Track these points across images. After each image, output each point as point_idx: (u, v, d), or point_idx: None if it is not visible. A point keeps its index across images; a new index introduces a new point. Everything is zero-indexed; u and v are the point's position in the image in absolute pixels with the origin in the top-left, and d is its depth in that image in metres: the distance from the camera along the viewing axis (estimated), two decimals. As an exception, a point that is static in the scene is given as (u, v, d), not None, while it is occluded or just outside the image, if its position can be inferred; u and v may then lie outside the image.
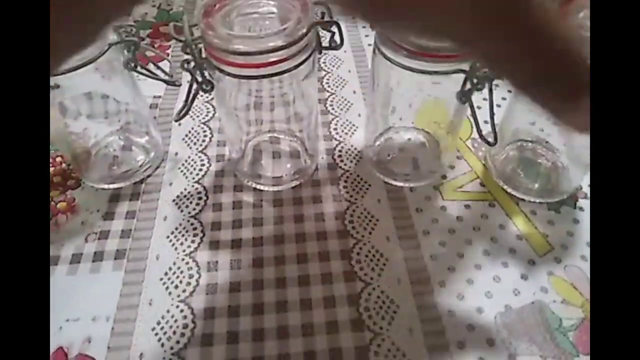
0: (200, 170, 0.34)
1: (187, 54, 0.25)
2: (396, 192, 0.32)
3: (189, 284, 0.27)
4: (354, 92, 0.40)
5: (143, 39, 0.31)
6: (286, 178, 0.33)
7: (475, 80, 0.24)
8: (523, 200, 0.32)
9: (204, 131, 0.36)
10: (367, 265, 0.28)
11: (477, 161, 0.34)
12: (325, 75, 0.42)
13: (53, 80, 0.26)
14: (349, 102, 0.39)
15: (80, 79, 0.26)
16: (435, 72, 0.24)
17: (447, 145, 0.33)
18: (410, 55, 0.24)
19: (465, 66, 0.24)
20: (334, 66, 0.43)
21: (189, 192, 0.32)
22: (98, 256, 0.29)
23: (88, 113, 0.31)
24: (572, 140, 0.30)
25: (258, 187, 0.32)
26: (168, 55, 0.44)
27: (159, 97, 0.39)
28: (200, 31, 0.24)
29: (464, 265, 0.28)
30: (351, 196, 0.32)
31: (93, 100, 0.31)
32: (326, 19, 0.26)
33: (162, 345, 0.25)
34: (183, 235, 0.30)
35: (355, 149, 0.35)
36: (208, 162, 0.34)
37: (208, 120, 0.37)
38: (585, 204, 0.31)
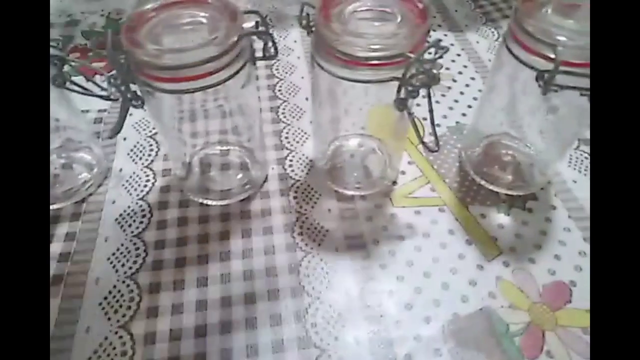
0: (145, 186, 0.32)
1: (113, 68, 0.24)
2: (347, 201, 0.32)
3: (129, 307, 0.26)
4: (307, 99, 0.39)
5: (68, 55, 0.29)
6: (235, 190, 0.32)
7: (409, 88, 0.24)
8: (472, 204, 0.31)
9: (150, 145, 0.35)
10: (315, 278, 0.28)
11: (427, 165, 0.34)
12: (277, 82, 0.41)
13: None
14: (301, 109, 0.38)
15: None
16: (369, 81, 0.24)
17: (394, 148, 0.32)
18: (344, 64, 0.24)
19: (399, 74, 0.24)
20: (287, 73, 0.42)
21: (132, 210, 0.31)
22: (33, 283, 0.27)
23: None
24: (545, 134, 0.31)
25: (205, 202, 0.31)
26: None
27: (104, 110, 0.38)
28: (125, 48, 0.23)
29: (413, 273, 0.28)
30: (301, 207, 0.31)
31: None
32: (260, 29, 0.26)
33: (98, 375, 0.24)
34: (125, 256, 0.28)
35: (306, 157, 0.35)
36: (154, 178, 0.33)
37: (155, 134, 0.36)
38: (534, 205, 0.32)
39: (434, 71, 0.24)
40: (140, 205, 0.31)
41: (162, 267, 0.28)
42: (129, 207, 0.31)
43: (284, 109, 0.39)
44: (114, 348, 0.25)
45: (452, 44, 0.45)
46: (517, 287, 0.27)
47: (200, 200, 0.31)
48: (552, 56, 0.23)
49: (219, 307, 0.26)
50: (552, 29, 0.23)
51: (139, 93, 0.25)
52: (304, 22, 0.27)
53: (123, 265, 0.28)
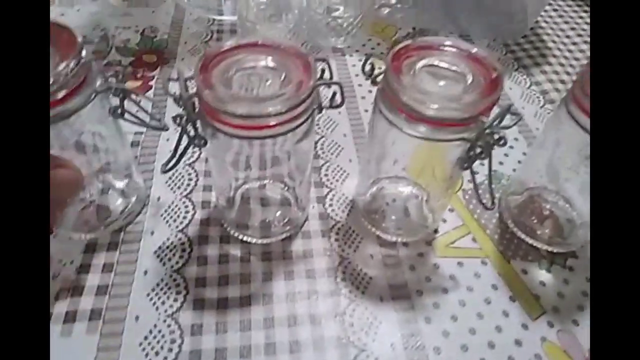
0: (185, 217, 0.32)
1: (180, 107, 0.24)
2: (389, 247, 0.31)
3: (170, 350, 0.25)
4: (345, 135, 0.39)
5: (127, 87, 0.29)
6: (275, 229, 0.31)
7: (478, 150, 0.24)
8: (514, 258, 0.31)
9: (189, 174, 0.35)
10: (360, 329, 0.27)
11: (468, 215, 0.34)
12: (319, 139, 0.40)
13: None
14: (339, 146, 0.38)
15: (67, 126, 0.24)
16: (437, 140, 0.24)
17: (441, 201, 0.32)
18: (409, 120, 0.24)
19: (468, 135, 0.24)
20: (327, 129, 0.41)
21: (171, 243, 0.30)
22: (70, 316, 0.26)
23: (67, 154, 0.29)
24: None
25: (245, 238, 0.31)
26: (151, 87, 0.42)
27: (141, 133, 0.37)
28: (196, 88, 0.23)
29: (458, 329, 0.28)
30: (343, 250, 0.31)
31: (71, 142, 0.29)
32: (326, 75, 0.26)
33: (140, 423, 0.23)
34: (165, 293, 0.28)
35: (346, 197, 0.34)
36: (193, 209, 0.32)
37: (194, 162, 0.36)
38: (574, 263, 0.32)
39: (502, 134, 0.24)
40: (180, 238, 0.31)
41: (203, 307, 0.27)
42: (167, 239, 0.31)
43: (322, 144, 0.38)
44: (156, 394, 0.24)
45: (485, 89, 0.46)
46: (562, 349, 0.27)
47: (241, 237, 0.31)
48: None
49: (263, 354, 0.26)
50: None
51: (201, 133, 0.24)
52: (369, 71, 0.27)
53: (163, 302, 0.27)
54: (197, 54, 0.46)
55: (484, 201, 0.27)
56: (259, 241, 0.31)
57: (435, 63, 0.25)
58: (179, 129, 0.24)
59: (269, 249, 0.31)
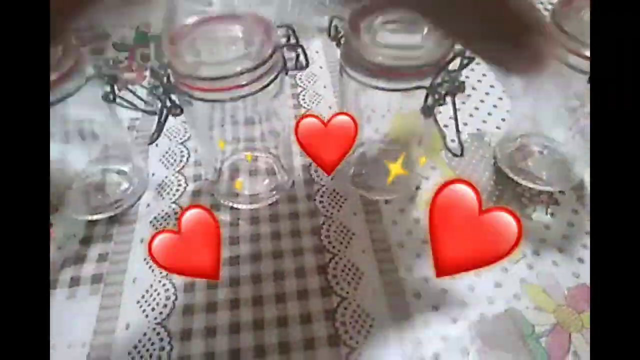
0: (177, 190, 0.34)
1: (156, 79, 0.26)
2: (371, 205, 0.33)
3: (165, 305, 0.27)
4: (330, 108, 0.41)
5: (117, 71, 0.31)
6: (263, 195, 0.33)
7: (436, 96, 0.25)
8: (523, 194, 0.32)
9: (181, 151, 0.37)
10: (343, 279, 0.28)
11: (450, 172, 0.35)
12: (301, 91, 0.42)
13: None
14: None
15: (60, 112, 0.26)
16: (395, 89, 0.25)
17: (416, 155, 0.33)
18: (371, 74, 0.25)
19: (425, 83, 0.25)
20: (310, 82, 0.43)
21: (165, 213, 0.32)
22: (74, 282, 0.29)
23: (67, 143, 0.32)
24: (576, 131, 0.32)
25: (235, 205, 0.32)
26: (145, 77, 0.44)
27: (137, 119, 0.39)
28: (167, 59, 0.24)
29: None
30: (327, 211, 0.32)
31: (71, 130, 0.31)
32: (291, 41, 0.27)
33: (139, 369, 0.25)
34: (160, 257, 0.30)
35: (331, 163, 0.36)
36: (185, 182, 0.34)
37: (185, 141, 0.38)
38: (556, 209, 0.32)
39: (460, 79, 0.25)
40: (173, 209, 0.33)
41: (195, 267, 0.29)
42: (162, 210, 0.33)
43: (303, 96, 0.40)
44: (153, 344, 0.26)
45: (470, 53, 0.46)
46: (541, 289, 0.28)
47: (231, 204, 0.33)
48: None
49: (251, 305, 0.27)
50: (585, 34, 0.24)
51: (177, 102, 0.26)
52: (333, 33, 0.28)
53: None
54: (189, 43, 0.48)
55: (450, 147, 0.28)
56: (248, 207, 0.32)
57: (392, 18, 0.26)
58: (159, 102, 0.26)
59: (257, 213, 0.32)
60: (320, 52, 0.47)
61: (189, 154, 0.37)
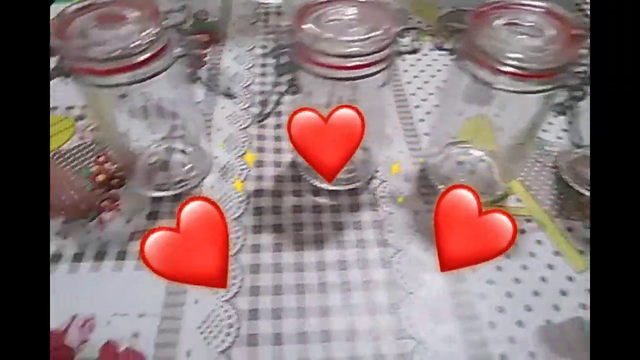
0: (240, 175, 0.34)
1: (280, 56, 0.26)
2: (433, 205, 0.33)
3: (233, 284, 0.28)
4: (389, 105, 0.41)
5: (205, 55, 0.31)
6: (341, 179, 0.33)
7: (576, 93, 0.25)
8: (559, 217, 0.32)
9: (243, 137, 0.37)
10: (407, 275, 0.28)
11: (516, 185, 0.35)
12: None
13: (122, 90, 0.26)
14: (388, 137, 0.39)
15: (148, 89, 0.27)
16: (517, 92, 0.25)
17: (512, 165, 0.33)
18: (493, 71, 0.25)
19: (549, 86, 0.25)
20: None
21: (229, 196, 0.33)
22: (142, 254, 0.29)
23: (145, 120, 0.33)
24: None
25: (314, 182, 0.33)
26: (206, 63, 0.45)
27: (199, 102, 0.40)
28: (293, 33, 0.25)
29: (503, 278, 0.29)
30: (388, 207, 0.32)
31: (149, 108, 0.32)
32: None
33: (209, 344, 0.25)
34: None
35: (390, 159, 0.36)
36: (247, 167, 0.35)
37: (247, 127, 0.38)
38: (620, 223, 0.32)
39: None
40: (237, 192, 0.33)
41: (259, 250, 0.29)
42: (225, 194, 0.33)
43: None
44: (221, 320, 0.26)
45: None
46: (608, 300, 0.28)
47: (311, 181, 0.33)
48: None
49: (315, 269, 0.27)
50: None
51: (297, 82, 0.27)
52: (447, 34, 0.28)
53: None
54: (246, 34, 0.49)
55: (577, 140, 0.27)
56: (324, 186, 0.33)
57: (515, 19, 0.26)
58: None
59: (322, 199, 0.32)
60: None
61: (251, 140, 0.37)
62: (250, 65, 0.45)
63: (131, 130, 0.34)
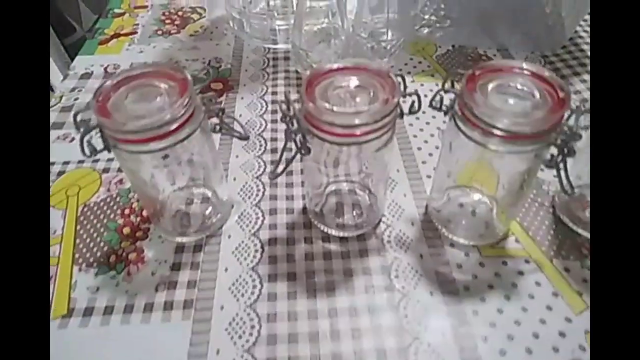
0: (256, 223, 0.37)
1: (290, 123, 0.29)
2: (437, 248, 0.35)
3: (251, 334, 0.30)
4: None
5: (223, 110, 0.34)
6: (350, 226, 0.36)
7: (565, 150, 0.27)
8: (556, 257, 0.34)
9: (257, 186, 0.40)
10: (413, 319, 0.30)
11: (514, 225, 0.37)
12: None
13: (164, 152, 0.29)
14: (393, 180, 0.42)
15: (181, 149, 0.30)
16: (509, 152, 0.27)
17: (511, 209, 0.35)
18: (484, 134, 0.27)
19: (537, 148, 0.27)
20: None
21: (246, 245, 0.35)
22: (168, 305, 0.32)
23: (170, 168, 0.35)
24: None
25: (324, 229, 0.35)
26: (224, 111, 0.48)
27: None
28: (302, 104, 0.28)
29: (504, 320, 0.30)
30: (395, 251, 0.35)
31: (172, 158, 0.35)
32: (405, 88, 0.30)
33: (232, 392, 0.27)
34: (243, 287, 0.32)
35: (398, 205, 0.38)
36: (262, 216, 0.37)
37: (260, 175, 0.41)
38: (616, 262, 0.33)
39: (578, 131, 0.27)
40: (253, 241, 0.36)
41: (276, 298, 0.32)
42: (242, 241, 0.36)
43: (371, 156, 0.42)
44: (242, 369, 0.28)
45: (525, 100, 0.48)
46: (605, 341, 0.29)
47: (321, 227, 0.35)
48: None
49: (327, 316, 0.30)
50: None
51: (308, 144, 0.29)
52: (437, 102, 0.31)
53: (242, 295, 0.32)
54: (256, 80, 0.52)
55: (568, 189, 0.29)
56: (334, 232, 0.35)
57: (505, 83, 0.28)
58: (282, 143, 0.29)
59: (333, 246, 0.35)
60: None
61: (264, 188, 0.40)
62: (262, 111, 0.48)
63: (154, 180, 0.37)
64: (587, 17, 0.61)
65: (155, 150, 0.28)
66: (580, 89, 0.49)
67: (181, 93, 0.29)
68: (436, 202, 0.37)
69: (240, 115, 0.47)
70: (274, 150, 0.43)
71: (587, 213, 0.36)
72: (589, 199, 0.37)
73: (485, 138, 0.27)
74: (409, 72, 0.53)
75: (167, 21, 0.64)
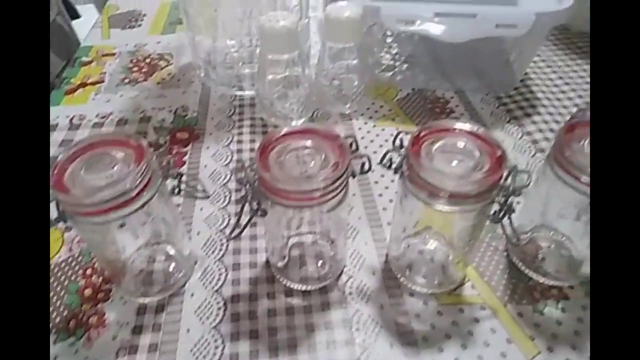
0: (219, 279, 0.37)
1: (245, 187, 0.30)
2: (396, 298, 0.36)
3: (212, 398, 0.30)
4: (354, 195, 0.44)
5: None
6: (313, 279, 0.36)
7: (505, 208, 0.29)
8: (510, 302, 0.35)
9: (221, 240, 0.40)
10: (373, 374, 0.31)
11: (470, 270, 0.38)
12: None
13: (122, 221, 0.29)
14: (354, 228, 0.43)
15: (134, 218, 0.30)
16: (456, 211, 0.29)
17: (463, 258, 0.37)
18: (431, 195, 0.29)
19: (482, 205, 0.29)
20: None
21: (209, 303, 0.35)
22: (128, 372, 0.31)
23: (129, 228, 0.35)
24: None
25: (286, 283, 0.36)
26: (185, 162, 0.49)
27: (178, 205, 0.43)
28: (257, 171, 0.29)
29: (461, 371, 0.31)
30: (356, 302, 0.35)
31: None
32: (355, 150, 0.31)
33: None
34: (205, 348, 0.33)
35: (360, 255, 0.39)
36: (225, 271, 0.38)
37: (224, 228, 0.41)
38: (566, 305, 0.35)
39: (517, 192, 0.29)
40: (216, 298, 0.36)
41: (238, 358, 0.32)
42: (205, 299, 0.36)
43: (334, 204, 0.44)
44: None
45: (480, 142, 0.50)
46: (556, 387, 0.30)
47: (285, 282, 0.36)
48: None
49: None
50: (585, 162, 0.28)
51: (263, 206, 0.30)
52: (387, 162, 0.32)
53: (205, 357, 0.32)
54: (222, 128, 0.53)
55: (514, 240, 0.32)
56: (296, 286, 0.36)
57: (448, 143, 0.30)
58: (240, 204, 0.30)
59: (295, 300, 0.35)
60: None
61: (227, 241, 0.40)
62: (227, 161, 0.49)
63: (115, 243, 0.37)
64: (536, 57, 0.65)
65: (114, 219, 0.29)
66: (531, 130, 0.52)
67: (138, 161, 0.29)
68: (395, 251, 0.38)
69: (206, 166, 0.48)
70: (239, 202, 0.44)
71: (539, 256, 0.38)
72: (539, 242, 0.39)
73: (431, 199, 0.29)
74: (370, 117, 0.55)
75: (135, 69, 0.65)
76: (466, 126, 0.31)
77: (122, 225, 0.31)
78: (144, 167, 0.29)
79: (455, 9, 0.48)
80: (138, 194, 0.29)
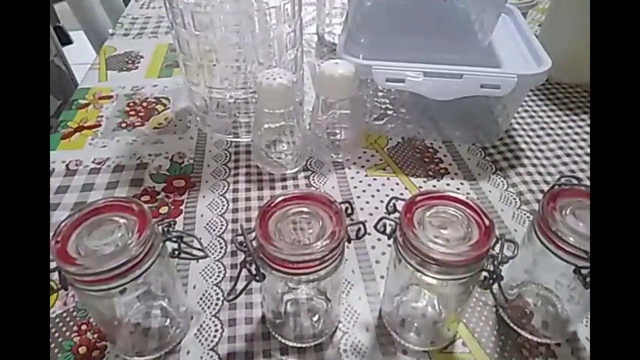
0: (215, 336, 0.37)
1: (245, 254, 0.31)
2: (390, 357, 0.36)
3: None
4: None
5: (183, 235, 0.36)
6: (309, 336, 0.37)
7: (494, 276, 0.30)
8: (524, 345, 0.36)
9: (217, 294, 0.41)
10: None
11: (462, 326, 0.39)
12: None
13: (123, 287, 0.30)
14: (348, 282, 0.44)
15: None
16: (447, 279, 0.30)
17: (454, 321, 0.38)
18: (423, 263, 0.30)
19: (472, 274, 0.30)
20: None
21: (205, 361, 0.36)
22: None
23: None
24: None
25: (282, 340, 0.37)
26: (182, 212, 0.49)
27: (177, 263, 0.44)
28: (257, 240, 0.30)
29: None
30: (350, 356, 0.36)
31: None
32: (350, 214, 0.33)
33: None
34: (201, 411, 0.33)
35: (354, 310, 0.40)
36: (221, 327, 0.38)
37: (219, 282, 0.42)
38: (553, 362, 0.36)
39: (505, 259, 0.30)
40: (212, 356, 0.36)
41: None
42: (201, 357, 0.36)
43: (328, 257, 0.45)
44: None
45: (468, 193, 0.52)
46: None
47: (281, 339, 0.36)
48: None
49: None
50: (570, 234, 0.30)
51: (262, 271, 0.31)
52: (381, 227, 0.33)
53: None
54: (218, 176, 0.54)
55: (503, 303, 0.33)
56: (292, 344, 0.36)
57: (440, 212, 0.32)
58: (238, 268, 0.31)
59: (290, 359, 0.36)
60: (336, 187, 0.53)
61: (223, 295, 0.41)
62: (223, 210, 0.50)
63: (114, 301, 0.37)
64: (520, 109, 0.68)
65: (117, 287, 0.29)
66: (516, 182, 0.54)
67: (141, 228, 0.30)
68: (388, 307, 0.39)
69: (202, 216, 0.49)
70: (234, 254, 0.45)
71: (527, 312, 0.39)
72: (527, 298, 0.40)
73: (421, 267, 0.30)
74: (362, 166, 0.56)
75: (132, 112, 0.66)
76: (458, 195, 0.33)
77: (123, 291, 0.31)
78: (147, 235, 0.30)
79: (442, 70, 0.51)
80: (141, 260, 0.30)
